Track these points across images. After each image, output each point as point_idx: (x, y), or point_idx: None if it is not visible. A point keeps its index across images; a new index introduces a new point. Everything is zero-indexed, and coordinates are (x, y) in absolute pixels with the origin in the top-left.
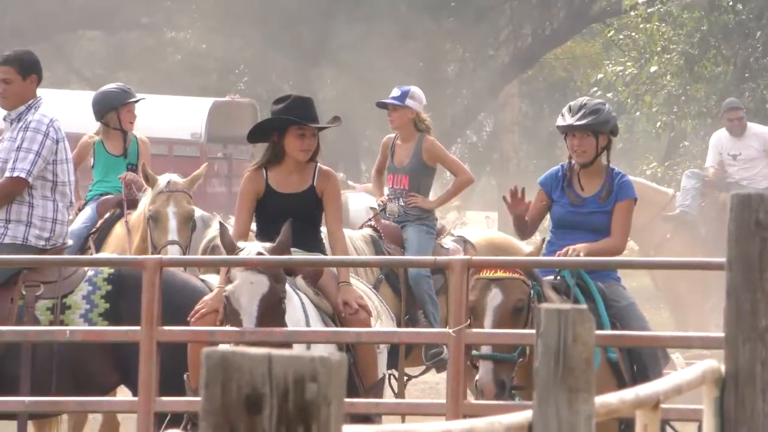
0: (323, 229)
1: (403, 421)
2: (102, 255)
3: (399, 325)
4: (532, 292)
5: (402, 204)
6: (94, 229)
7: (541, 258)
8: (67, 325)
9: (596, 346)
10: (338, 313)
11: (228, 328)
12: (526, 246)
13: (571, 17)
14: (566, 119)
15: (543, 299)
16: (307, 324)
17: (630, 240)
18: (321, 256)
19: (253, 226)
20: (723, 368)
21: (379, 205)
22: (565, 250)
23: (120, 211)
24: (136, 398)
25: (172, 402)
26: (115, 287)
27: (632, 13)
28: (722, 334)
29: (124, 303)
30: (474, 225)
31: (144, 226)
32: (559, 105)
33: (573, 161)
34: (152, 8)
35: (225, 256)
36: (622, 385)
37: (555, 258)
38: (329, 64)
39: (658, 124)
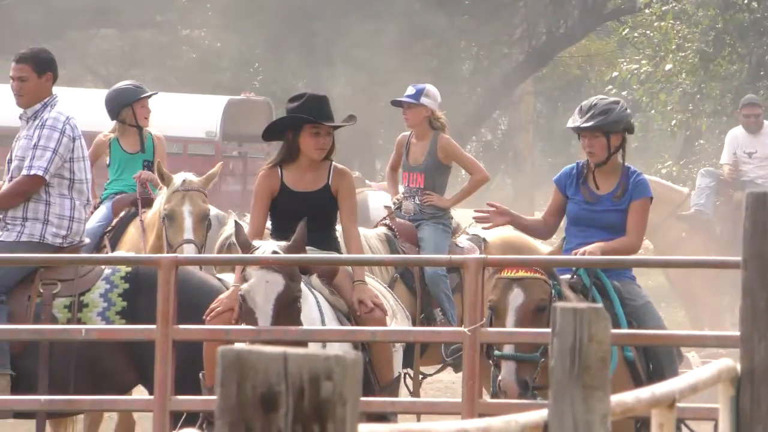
0: (338, 228)
1: (419, 420)
2: (118, 253)
3: (414, 323)
4: (553, 291)
5: (417, 202)
6: (109, 228)
7: (555, 257)
8: (84, 323)
9: (612, 345)
10: (353, 312)
11: (243, 326)
12: (542, 245)
13: (585, 15)
14: (575, 120)
15: (563, 299)
16: (323, 323)
17: (645, 239)
18: (336, 255)
19: (269, 225)
20: (739, 367)
21: (394, 203)
22: (582, 250)
23: (135, 210)
24: (151, 397)
25: (187, 401)
26: (132, 285)
27: (647, 11)
28: (738, 333)
29: (141, 301)
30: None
31: (159, 225)
32: (574, 103)
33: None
34: (166, 6)
35: (240, 255)
36: (638, 383)
37: (570, 257)
38: (343, 63)
39: (673, 122)
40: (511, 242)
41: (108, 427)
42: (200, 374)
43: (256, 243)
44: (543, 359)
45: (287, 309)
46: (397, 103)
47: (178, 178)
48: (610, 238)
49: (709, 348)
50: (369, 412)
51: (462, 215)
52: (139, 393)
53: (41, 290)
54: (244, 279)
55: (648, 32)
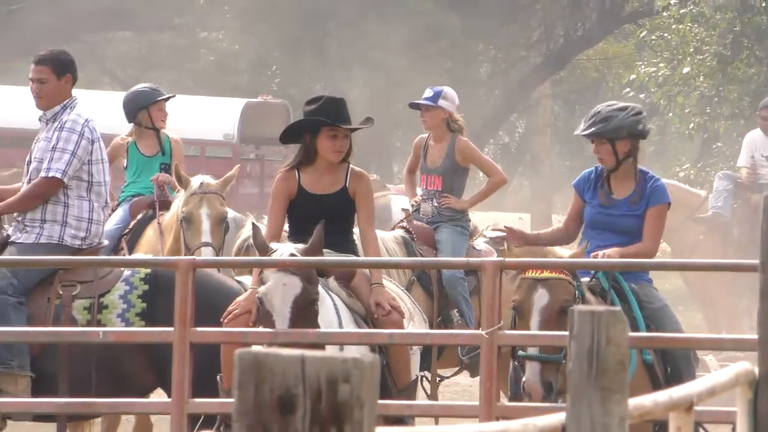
0: (356, 231)
1: (436, 423)
2: (136, 256)
3: (431, 326)
4: (577, 292)
5: (435, 205)
6: (126, 230)
7: (573, 260)
8: (104, 324)
9: (630, 348)
10: (371, 315)
11: (261, 329)
12: (561, 248)
13: (603, 18)
14: (579, 127)
15: (586, 301)
16: (340, 325)
17: (662, 242)
18: (353, 258)
19: (286, 227)
20: (756, 370)
21: (412, 206)
22: (601, 254)
23: (153, 212)
24: (169, 399)
25: (204, 403)
26: (151, 287)
27: (665, 14)
28: (755, 336)
29: (160, 303)
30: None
31: (177, 228)
32: (591, 106)
33: None
34: (184, 9)
35: (257, 257)
36: (656, 386)
37: (588, 260)
38: (361, 65)
39: (691, 125)
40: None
41: (125, 429)
42: (218, 377)
43: (273, 246)
44: (565, 361)
45: (304, 312)
46: (414, 106)
47: (195, 181)
48: (627, 242)
49: (726, 351)
50: (386, 415)
51: (480, 218)
52: (157, 395)
53: (60, 292)
54: (261, 282)
55: (666, 35)
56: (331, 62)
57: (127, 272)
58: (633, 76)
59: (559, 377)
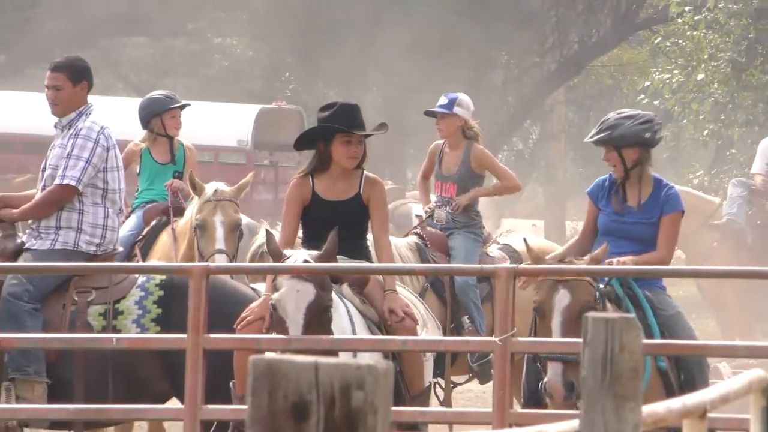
0: (369, 237)
1: (450, 429)
2: (150, 262)
3: (444, 333)
4: (597, 294)
5: (449, 211)
6: (140, 237)
7: (586, 266)
8: (119, 330)
9: (644, 355)
10: (384, 321)
11: (274, 335)
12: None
13: (617, 24)
14: (590, 134)
15: (605, 304)
16: (353, 332)
17: (676, 249)
18: (367, 264)
19: (300, 234)
20: None
21: (426, 212)
22: (616, 260)
23: (166, 219)
24: (182, 406)
25: (218, 410)
26: (167, 293)
27: (679, 21)
28: None
29: (176, 308)
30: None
31: (191, 235)
32: (606, 112)
33: None
34: (198, 15)
35: (271, 264)
36: (670, 393)
37: (603, 267)
38: (375, 71)
39: (705, 132)
40: (544, 251)
41: None
42: (231, 383)
43: (287, 252)
44: None
45: (318, 318)
46: (430, 113)
47: (210, 188)
48: (641, 250)
49: (740, 358)
50: (399, 421)
51: (494, 224)
52: (170, 402)
53: (76, 298)
54: (275, 288)
55: (680, 41)
56: (345, 68)
57: (142, 278)
58: (647, 83)
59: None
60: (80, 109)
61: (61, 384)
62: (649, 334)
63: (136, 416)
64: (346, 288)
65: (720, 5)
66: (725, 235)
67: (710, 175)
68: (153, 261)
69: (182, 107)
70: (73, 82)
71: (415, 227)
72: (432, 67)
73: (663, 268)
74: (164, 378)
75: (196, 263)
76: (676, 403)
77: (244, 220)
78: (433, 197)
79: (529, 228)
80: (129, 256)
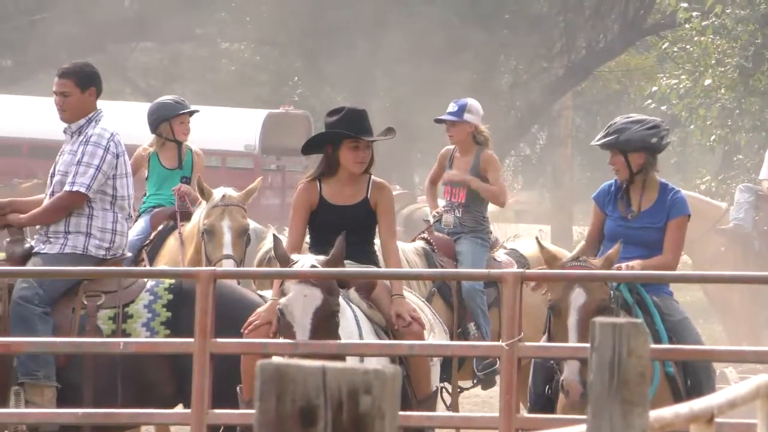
0: (377, 242)
1: None
2: (159, 267)
3: (451, 337)
4: (612, 293)
5: (458, 215)
6: (147, 242)
7: (594, 271)
8: (129, 333)
9: (652, 360)
10: (391, 326)
11: (281, 340)
12: None
13: (625, 30)
14: (596, 138)
15: (618, 303)
16: (360, 336)
17: (683, 255)
18: (374, 269)
19: (308, 239)
20: None
21: (434, 216)
22: (625, 265)
23: (173, 223)
24: (188, 410)
25: (224, 414)
26: (176, 296)
27: (686, 26)
28: None
29: (185, 312)
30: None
31: (198, 240)
32: (613, 118)
33: None
34: (206, 20)
35: (278, 269)
36: (678, 399)
37: (609, 272)
38: (382, 76)
39: (712, 137)
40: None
41: None
42: (237, 387)
43: (294, 257)
44: None
45: (325, 323)
46: (440, 121)
47: (217, 193)
48: (648, 255)
49: (747, 363)
50: (406, 426)
51: (501, 229)
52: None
53: (85, 302)
54: (282, 293)
55: (688, 47)
56: (352, 73)
57: (151, 282)
58: (655, 88)
59: None
60: (90, 116)
61: (71, 388)
62: (657, 340)
63: (144, 420)
64: (353, 292)
65: (727, 11)
66: (732, 240)
67: (717, 180)
68: (160, 265)
69: (191, 113)
70: (81, 88)
71: (423, 232)
72: (439, 72)
73: (669, 274)
74: (171, 382)
75: (204, 268)
76: (684, 408)
77: (252, 224)
78: (441, 202)
79: (535, 233)
80: (136, 260)
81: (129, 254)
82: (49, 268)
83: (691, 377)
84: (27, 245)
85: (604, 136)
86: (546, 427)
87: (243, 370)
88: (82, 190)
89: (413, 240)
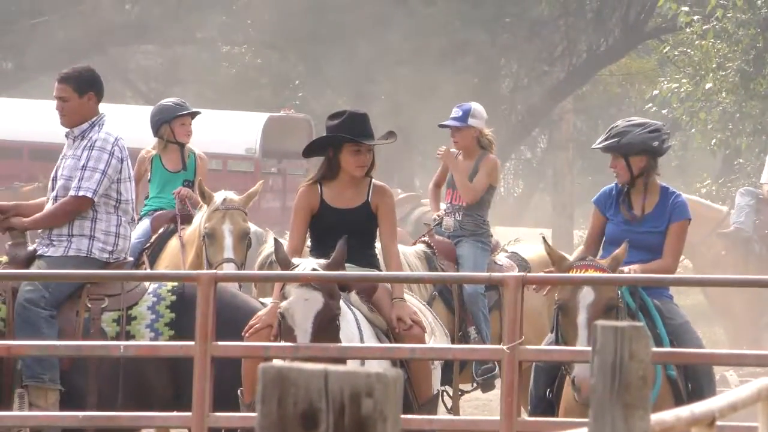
0: (377, 245)
1: None
2: (159, 271)
3: (452, 341)
4: (619, 292)
5: (458, 218)
6: (148, 244)
7: (595, 275)
8: (133, 335)
9: (654, 364)
10: (392, 329)
11: (282, 343)
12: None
13: (626, 33)
14: (597, 141)
15: (625, 302)
16: (361, 340)
17: (684, 258)
18: (375, 272)
19: (309, 242)
20: None
21: (434, 220)
22: (627, 269)
23: (174, 227)
24: (189, 414)
25: (225, 417)
26: (179, 297)
27: (687, 30)
28: None
29: (189, 313)
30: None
31: (199, 243)
32: (614, 121)
33: None
34: (207, 23)
35: (278, 272)
36: (679, 402)
37: (610, 275)
38: (384, 79)
39: (713, 141)
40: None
41: None
42: (238, 391)
43: (295, 261)
44: None
45: (326, 327)
46: (444, 126)
47: (218, 197)
48: (649, 259)
49: (748, 367)
50: (408, 429)
51: (501, 232)
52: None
53: (89, 305)
54: (283, 297)
55: (689, 51)
56: (353, 76)
57: (154, 285)
58: (656, 92)
59: None
60: (93, 120)
61: (74, 391)
62: (659, 343)
63: (144, 423)
64: (354, 296)
65: (728, 15)
66: (733, 243)
67: (718, 184)
68: (161, 269)
69: (192, 115)
70: (79, 93)
71: (423, 235)
72: (440, 76)
73: (670, 277)
74: (171, 385)
75: (205, 271)
76: (685, 411)
77: (252, 228)
78: (443, 205)
79: (536, 237)
80: (137, 263)
81: (131, 259)
82: (49, 272)
83: (692, 381)
84: (30, 248)
85: (606, 139)
86: (547, 431)
87: (244, 373)
88: (89, 194)
89: (414, 243)
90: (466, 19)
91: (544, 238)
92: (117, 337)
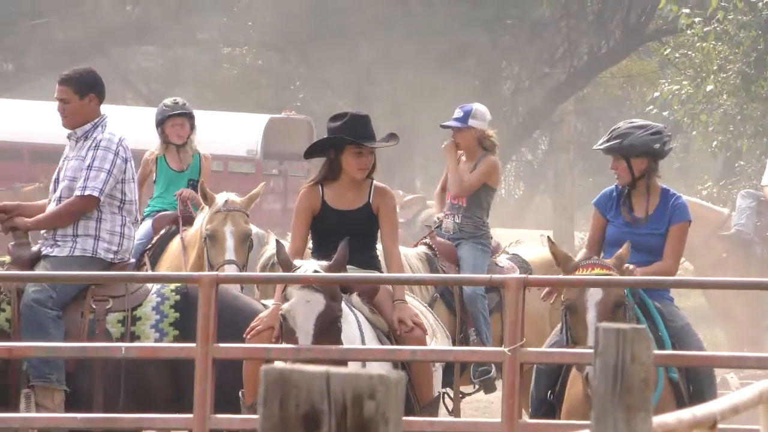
0: (379, 247)
1: None
2: (161, 272)
3: (454, 343)
4: (626, 291)
5: (458, 221)
6: (149, 246)
7: (595, 277)
8: (139, 335)
9: (656, 366)
10: (393, 331)
11: (283, 345)
12: None
13: (627, 35)
14: (599, 142)
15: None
16: (363, 342)
17: (685, 261)
18: (376, 274)
19: (310, 244)
20: None
21: (434, 222)
22: (631, 267)
23: (176, 228)
24: (190, 415)
25: (226, 419)
26: (183, 297)
27: (688, 32)
28: None
29: (193, 312)
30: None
31: (200, 245)
32: (615, 123)
33: None
34: (207, 24)
35: (280, 273)
36: (681, 405)
37: (611, 278)
38: (385, 81)
39: (714, 143)
40: (552, 261)
41: None
42: (240, 392)
43: (297, 262)
44: None
45: (328, 329)
46: (446, 127)
47: (220, 198)
48: (650, 261)
49: (749, 369)
50: (409, 431)
51: (502, 234)
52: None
53: (94, 306)
54: (285, 298)
55: (690, 53)
56: (354, 78)
57: (157, 285)
58: (656, 94)
59: None
60: (95, 121)
61: (80, 393)
62: (661, 346)
63: (146, 425)
64: (355, 298)
65: (729, 17)
66: (734, 245)
67: (719, 186)
68: (162, 270)
69: (183, 115)
70: (79, 95)
71: (425, 237)
72: (441, 78)
73: (671, 279)
74: (173, 386)
75: (206, 272)
76: (687, 413)
77: (253, 229)
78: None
79: (537, 238)
80: (138, 264)
81: (133, 260)
82: (48, 273)
83: (693, 383)
84: (34, 249)
85: (608, 141)
86: None
87: (245, 375)
88: (95, 194)
89: (416, 245)
90: (466, 21)
91: (549, 238)
92: (122, 338)
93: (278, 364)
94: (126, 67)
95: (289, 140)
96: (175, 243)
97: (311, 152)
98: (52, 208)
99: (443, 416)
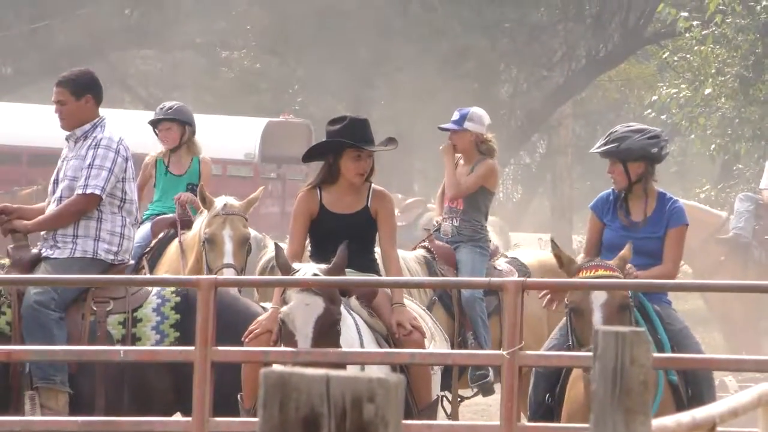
0: (377, 250)
1: None
2: (160, 276)
3: (452, 346)
4: (630, 292)
5: (456, 224)
6: (148, 249)
7: (593, 280)
8: (139, 337)
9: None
10: (392, 334)
11: (282, 348)
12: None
13: (625, 39)
14: (596, 145)
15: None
16: (361, 345)
17: (683, 264)
18: (375, 277)
19: (309, 247)
20: None
21: (433, 225)
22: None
23: (174, 231)
24: (189, 418)
25: (225, 422)
26: (183, 299)
27: (687, 35)
28: None
29: (194, 314)
30: (527, 247)
31: (199, 248)
32: (613, 126)
33: None
34: (206, 28)
35: (279, 277)
36: (680, 408)
37: (609, 281)
38: (383, 85)
39: (712, 146)
40: (550, 265)
41: None
42: (239, 396)
43: (296, 266)
44: None
45: (327, 332)
46: (443, 129)
47: (219, 202)
48: (648, 264)
49: (747, 372)
50: None
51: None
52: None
53: (94, 308)
54: (284, 302)
55: (688, 56)
56: (353, 82)
57: (156, 287)
58: (655, 97)
59: None
60: (94, 121)
61: (82, 395)
62: (661, 348)
63: (145, 429)
64: (354, 301)
65: (728, 20)
66: (732, 249)
67: (717, 189)
68: (161, 273)
69: (171, 120)
70: (75, 96)
71: (423, 240)
72: (439, 81)
73: (670, 282)
74: (173, 389)
75: (205, 276)
76: (686, 416)
77: (252, 233)
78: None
79: (535, 242)
80: (137, 268)
81: (132, 262)
82: (49, 276)
83: (692, 386)
84: (34, 251)
85: (605, 144)
86: None
87: (244, 378)
88: (97, 192)
89: (414, 248)
90: (465, 25)
91: (552, 240)
92: (123, 340)
93: (277, 368)
94: (125, 70)
95: (287, 144)
96: (174, 246)
97: (310, 156)
98: (52, 208)
99: (442, 419)
